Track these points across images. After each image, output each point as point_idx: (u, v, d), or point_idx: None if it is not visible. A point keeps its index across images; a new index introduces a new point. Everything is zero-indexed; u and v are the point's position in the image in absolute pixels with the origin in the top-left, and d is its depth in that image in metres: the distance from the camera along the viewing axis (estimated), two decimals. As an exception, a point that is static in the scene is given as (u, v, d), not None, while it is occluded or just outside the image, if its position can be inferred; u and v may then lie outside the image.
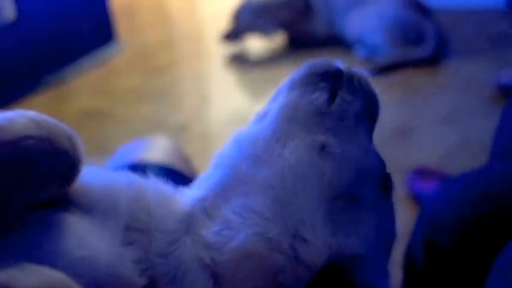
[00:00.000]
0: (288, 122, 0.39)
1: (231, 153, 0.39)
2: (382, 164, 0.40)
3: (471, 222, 0.73)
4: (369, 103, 0.42)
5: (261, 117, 0.41)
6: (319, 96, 0.40)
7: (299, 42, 2.73)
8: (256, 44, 2.93)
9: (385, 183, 0.40)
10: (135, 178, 0.38)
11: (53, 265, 0.28)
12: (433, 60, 2.50)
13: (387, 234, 0.39)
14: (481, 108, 2.06)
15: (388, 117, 2.22)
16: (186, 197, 0.38)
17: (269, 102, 0.43)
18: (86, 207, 0.34)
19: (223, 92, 2.51)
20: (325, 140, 0.38)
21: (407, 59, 2.46)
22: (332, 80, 0.41)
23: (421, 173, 1.58)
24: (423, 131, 1.97)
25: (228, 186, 0.37)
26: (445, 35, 2.63)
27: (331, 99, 0.40)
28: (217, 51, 2.93)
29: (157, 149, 0.75)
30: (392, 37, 2.53)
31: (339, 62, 0.43)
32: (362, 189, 0.38)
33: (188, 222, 0.36)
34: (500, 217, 0.70)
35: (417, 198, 1.52)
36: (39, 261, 0.28)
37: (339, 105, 0.40)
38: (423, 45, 2.51)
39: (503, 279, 0.60)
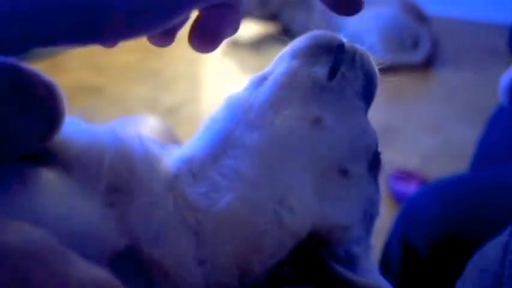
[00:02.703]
0: (285, 90, 0.37)
1: (223, 116, 0.38)
2: (375, 143, 0.40)
3: (446, 225, 0.74)
4: (369, 82, 0.41)
5: (258, 82, 0.40)
6: (320, 69, 0.39)
7: (294, 32, 2.74)
8: (252, 31, 2.93)
9: (375, 161, 0.40)
10: (120, 135, 0.35)
11: (29, 223, 0.26)
12: (425, 67, 2.52)
13: (372, 210, 0.39)
14: (466, 118, 2.09)
15: (374, 117, 2.22)
16: (172, 157, 0.37)
17: (268, 69, 0.41)
18: (67, 163, 0.31)
19: (217, 77, 2.51)
20: (320, 113, 0.37)
21: (400, 63, 2.48)
22: (334, 54, 0.40)
23: (402, 174, 1.61)
24: (407, 134, 1.99)
25: (217, 148, 0.36)
26: (440, 43, 2.65)
27: (332, 73, 0.39)
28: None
29: (147, 128, 0.73)
30: (387, 39, 2.55)
31: (343, 37, 0.41)
32: (353, 165, 0.37)
33: (173, 182, 0.34)
34: (477, 223, 0.71)
35: (396, 198, 1.55)
36: (15, 218, 0.26)
37: (338, 81, 0.39)
38: (416, 51, 2.53)
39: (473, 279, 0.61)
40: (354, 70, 0.40)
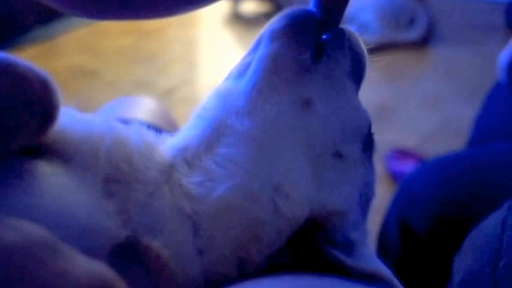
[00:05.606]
0: (270, 75, 0.36)
1: (212, 106, 0.38)
2: (367, 123, 0.39)
3: (444, 203, 0.75)
4: (357, 61, 0.40)
5: (241, 71, 0.39)
6: (304, 51, 0.37)
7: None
8: (248, 10, 2.91)
9: (369, 142, 0.39)
10: (116, 124, 0.35)
11: (28, 218, 0.26)
12: (421, 45, 2.51)
13: (368, 193, 0.39)
14: (463, 95, 2.09)
15: (372, 96, 2.25)
16: (167, 146, 0.37)
17: (248, 55, 0.40)
18: (63, 155, 0.31)
19: (212, 58, 2.50)
20: (309, 96, 0.36)
21: (397, 41, 2.46)
22: (318, 34, 0.38)
23: (399, 153, 1.61)
24: (405, 113, 1.99)
25: (210, 137, 0.36)
26: (436, 20, 2.63)
27: (317, 54, 0.38)
28: (209, 17, 2.90)
29: (143, 109, 0.73)
30: (383, 17, 2.53)
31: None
32: (347, 147, 0.37)
33: (169, 172, 0.34)
34: (475, 201, 0.71)
35: (393, 177, 1.56)
36: (13, 213, 0.26)
37: (325, 62, 0.38)
38: (413, 28, 2.51)
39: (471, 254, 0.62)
40: (340, 49, 0.39)
